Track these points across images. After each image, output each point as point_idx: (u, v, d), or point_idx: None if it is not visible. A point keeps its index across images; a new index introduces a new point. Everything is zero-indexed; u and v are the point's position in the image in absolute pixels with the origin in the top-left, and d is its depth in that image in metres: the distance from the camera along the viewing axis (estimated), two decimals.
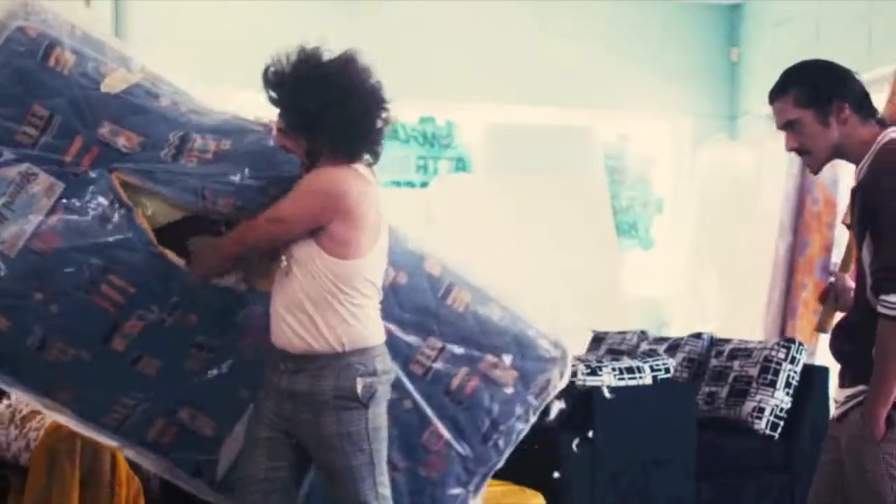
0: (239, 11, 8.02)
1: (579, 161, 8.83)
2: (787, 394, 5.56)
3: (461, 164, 8.92)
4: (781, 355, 5.58)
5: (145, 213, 3.38)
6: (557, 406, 4.98)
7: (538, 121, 8.89)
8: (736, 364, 5.69)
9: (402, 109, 8.79)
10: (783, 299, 8.06)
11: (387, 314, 3.56)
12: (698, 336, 5.98)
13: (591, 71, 8.84)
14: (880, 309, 2.96)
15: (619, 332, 6.40)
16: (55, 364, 3.35)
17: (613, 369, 4.95)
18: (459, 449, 3.93)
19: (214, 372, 3.55)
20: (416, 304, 3.79)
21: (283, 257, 3.33)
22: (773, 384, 5.54)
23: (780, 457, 5.58)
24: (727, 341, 5.92)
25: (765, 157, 8.16)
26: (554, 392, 4.13)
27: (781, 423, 5.54)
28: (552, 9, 8.78)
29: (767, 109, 9.19)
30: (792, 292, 8.02)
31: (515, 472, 4.79)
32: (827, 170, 7.87)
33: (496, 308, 3.95)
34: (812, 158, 3.17)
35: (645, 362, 5.06)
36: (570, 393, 4.90)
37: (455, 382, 3.86)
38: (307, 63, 3.34)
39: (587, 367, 4.91)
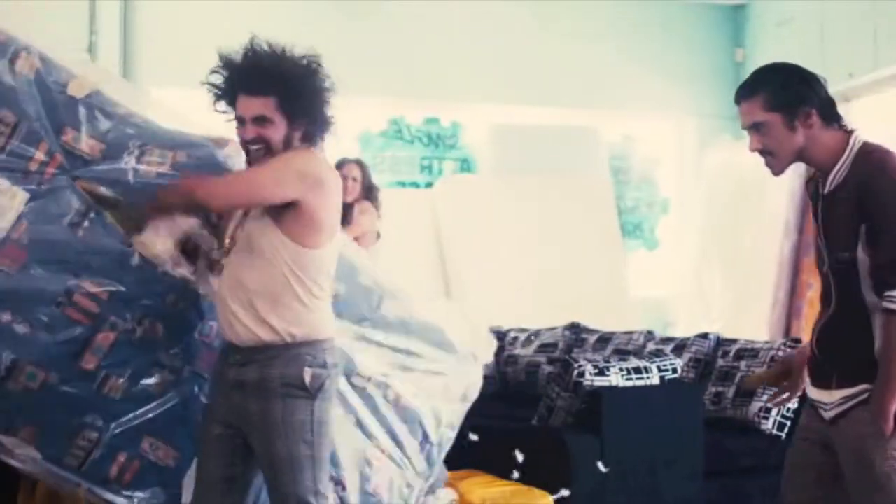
0: (241, 12, 8.02)
1: (584, 161, 8.84)
2: None
3: (466, 165, 8.94)
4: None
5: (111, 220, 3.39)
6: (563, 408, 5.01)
7: (543, 121, 8.90)
8: (742, 364, 5.69)
9: (407, 110, 8.91)
10: (788, 299, 8.07)
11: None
12: (705, 336, 5.98)
13: (595, 72, 8.86)
14: (887, 304, 2.99)
15: (626, 333, 6.40)
16: (21, 393, 3.28)
17: (621, 369, 4.95)
18: (400, 463, 3.96)
19: (174, 398, 3.53)
20: (354, 314, 3.83)
21: (228, 240, 3.36)
22: None
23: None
24: (734, 341, 5.92)
25: None
26: (474, 397, 4.27)
27: (788, 423, 5.54)
28: (557, 9, 8.80)
29: None
30: (797, 292, 8.04)
31: (524, 472, 4.81)
32: None
33: (418, 317, 4.04)
34: (775, 161, 3.20)
35: (652, 362, 5.07)
36: (577, 393, 4.91)
37: (391, 394, 3.92)
38: (288, 53, 3.37)
39: (595, 367, 4.91)
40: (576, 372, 4.90)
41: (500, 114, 8.87)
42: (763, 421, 5.52)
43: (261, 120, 3.32)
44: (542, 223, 8.42)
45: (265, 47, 3.35)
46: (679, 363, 5.22)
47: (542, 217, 8.44)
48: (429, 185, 8.65)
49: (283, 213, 3.26)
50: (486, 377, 6.63)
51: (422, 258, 8.11)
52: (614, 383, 4.94)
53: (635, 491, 4.92)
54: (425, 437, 4.03)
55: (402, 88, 8.53)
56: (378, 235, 6.01)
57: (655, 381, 5.04)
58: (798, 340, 5.73)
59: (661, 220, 9.40)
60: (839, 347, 3.18)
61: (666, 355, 5.35)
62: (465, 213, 8.31)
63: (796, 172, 8.02)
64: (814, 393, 3.26)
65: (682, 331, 7.89)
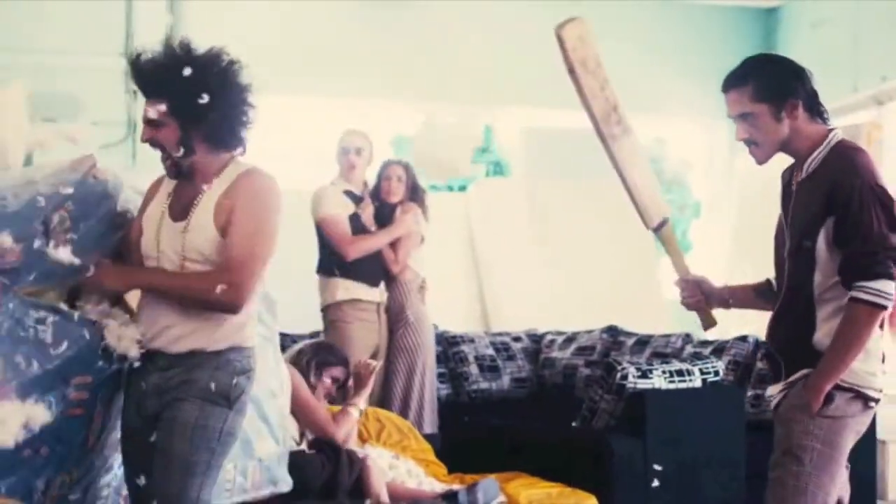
0: (277, 15, 8.09)
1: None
2: None
3: (498, 168, 8.97)
4: None
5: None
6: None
7: (575, 124, 8.88)
8: None
9: (439, 113, 8.93)
10: None
11: None
12: (743, 339, 6.00)
13: (627, 75, 8.82)
14: (857, 294, 3.06)
15: (664, 336, 6.43)
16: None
17: (664, 372, 4.99)
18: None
19: None
20: None
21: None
22: None
23: None
24: None
25: None
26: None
27: None
28: (589, 13, 8.69)
29: None
30: None
31: (569, 473, 4.85)
32: None
33: None
34: (760, 151, 3.29)
35: (694, 365, 5.10)
36: (621, 395, 4.95)
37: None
38: (187, 54, 3.27)
39: (638, 369, 4.95)
40: (619, 374, 4.94)
41: (532, 117, 8.90)
42: None
43: (153, 123, 3.26)
44: (574, 226, 8.44)
45: (171, 49, 3.27)
46: (721, 366, 5.25)
47: (575, 220, 8.46)
48: (462, 188, 8.68)
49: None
50: (522, 380, 6.72)
51: (455, 261, 8.14)
52: (657, 386, 4.98)
53: (677, 492, 4.96)
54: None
55: (434, 92, 8.56)
56: (422, 239, 6.03)
57: (697, 383, 5.08)
58: None
59: (693, 223, 9.41)
60: (787, 337, 3.24)
61: (707, 358, 5.38)
62: (498, 216, 8.34)
63: None
64: (769, 390, 3.34)
65: (714, 333, 7.89)
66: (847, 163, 3.14)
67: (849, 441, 3.19)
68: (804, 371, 3.16)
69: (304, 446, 4.56)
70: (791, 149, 3.27)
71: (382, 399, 5.77)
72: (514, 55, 8.64)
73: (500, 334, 6.98)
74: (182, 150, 3.25)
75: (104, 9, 7.93)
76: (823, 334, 3.14)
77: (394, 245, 5.93)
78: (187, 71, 3.22)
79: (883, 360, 3.23)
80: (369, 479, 4.47)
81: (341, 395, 4.86)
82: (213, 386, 3.19)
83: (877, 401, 3.20)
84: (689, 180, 9.41)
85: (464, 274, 8.16)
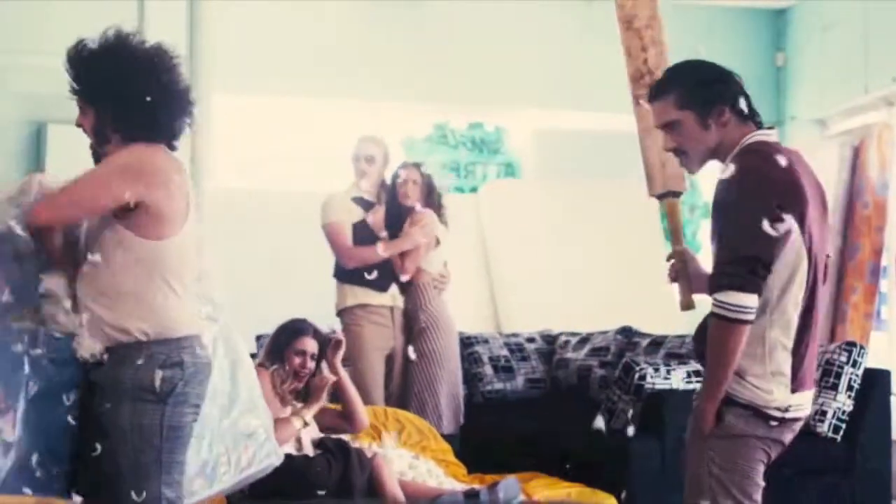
0: (283, 15, 8.10)
1: (627, 166, 8.83)
2: (849, 397, 5.60)
3: (510, 170, 8.99)
4: (843, 358, 5.62)
5: None
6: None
7: (586, 126, 8.94)
8: None
9: (451, 115, 8.96)
10: (833, 303, 8.09)
11: None
12: None
13: None
14: (712, 308, 3.00)
15: (678, 336, 6.44)
16: None
17: (682, 372, 5.01)
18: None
19: None
20: None
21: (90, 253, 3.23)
22: (835, 387, 5.58)
23: (842, 459, 5.61)
24: None
25: (815, 162, 8.17)
26: None
27: (843, 425, 5.58)
28: (601, 14, 8.83)
29: (814, 114, 9.25)
30: (842, 296, 8.06)
31: (588, 474, 4.87)
32: (877, 174, 7.92)
33: None
34: (689, 159, 3.19)
35: None
36: (639, 395, 4.97)
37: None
38: (108, 43, 3.32)
39: (656, 369, 4.97)
40: (637, 374, 4.96)
41: (543, 119, 8.92)
42: (819, 424, 5.56)
43: (80, 109, 3.34)
44: (585, 227, 8.46)
45: (102, 38, 3.32)
46: None
47: (586, 221, 8.48)
48: (473, 190, 8.71)
49: (124, 213, 3.16)
50: (536, 380, 6.74)
51: (467, 263, 8.16)
52: (675, 386, 5.00)
53: None
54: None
55: (446, 93, 8.58)
56: (438, 241, 6.04)
57: None
58: (853, 344, 5.76)
59: (703, 224, 9.43)
60: (698, 348, 3.23)
61: None
62: (509, 217, 8.36)
63: (840, 178, 8.07)
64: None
65: None
66: (733, 172, 3.05)
67: (754, 461, 3.11)
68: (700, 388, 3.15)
69: (307, 450, 4.58)
70: (722, 155, 3.16)
71: (401, 400, 5.79)
72: (526, 56, 8.65)
73: (514, 335, 7.01)
74: (95, 138, 3.29)
75: (115, 12, 7.94)
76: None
77: (402, 254, 5.93)
78: (104, 59, 3.26)
79: (793, 380, 3.11)
80: (382, 478, 4.48)
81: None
82: (137, 383, 3.13)
83: (782, 420, 3.11)
84: (699, 181, 9.43)
85: (475, 275, 8.17)
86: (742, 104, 3.16)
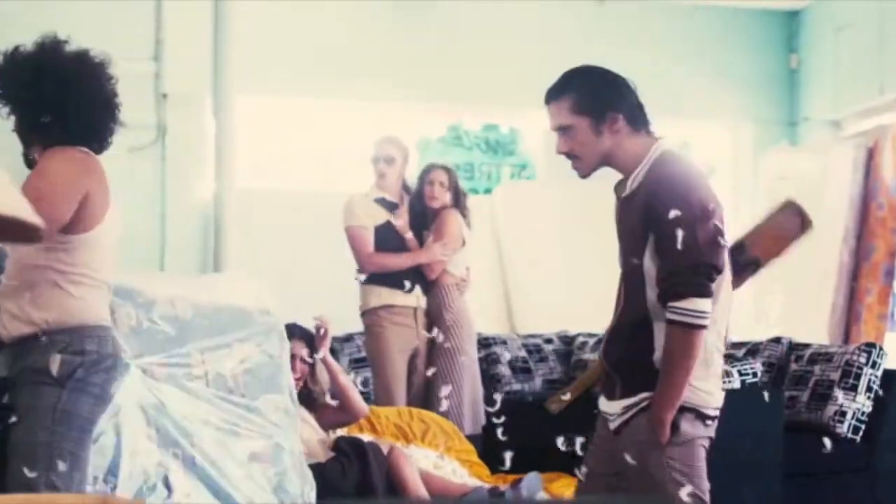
0: (296, 16, 8.12)
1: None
2: (868, 398, 5.62)
3: (524, 171, 9.01)
4: (863, 360, 5.65)
5: None
6: None
7: None
8: (817, 368, 5.75)
9: (465, 116, 8.98)
10: (847, 305, 8.11)
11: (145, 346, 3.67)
12: (777, 340, 6.05)
13: (651, 77, 8.82)
14: (669, 316, 2.99)
15: None
16: None
17: None
18: (269, 431, 4.09)
19: None
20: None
21: None
22: (854, 388, 5.61)
23: (861, 460, 5.64)
24: (806, 346, 5.99)
25: (829, 163, 8.22)
26: (285, 343, 4.27)
27: (863, 426, 5.60)
28: (614, 15, 8.87)
29: (827, 116, 9.24)
30: (856, 297, 8.08)
31: None
32: (892, 175, 7.92)
33: (207, 302, 4.06)
34: (581, 164, 3.21)
35: (733, 366, 5.14)
36: None
37: (230, 379, 4.00)
38: (32, 49, 3.36)
39: None
40: None
41: None
42: (838, 425, 5.58)
43: (8, 113, 3.41)
44: (599, 228, 8.43)
45: (36, 44, 3.35)
46: (759, 367, 5.29)
47: (600, 222, 8.45)
48: (488, 191, 8.73)
49: None
50: (554, 381, 6.75)
51: (482, 264, 8.18)
52: None
53: (718, 493, 4.98)
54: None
55: (460, 95, 8.61)
56: (463, 243, 6.05)
57: (736, 384, 5.11)
58: (872, 345, 5.78)
59: None
60: (623, 355, 3.19)
61: (746, 360, 5.42)
62: (524, 219, 8.38)
63: (854, 179, 8.09)
64: (603, 405, 3.30)
65: (737, 336, 7.92)
66: (660, 177, 3.08)
67: (703, 460, 3.18)
68: (644, 395, 3.11)
69: (319, 455, 4.57)
70: (615, 163, 3.20)
71: (425, 401, 5.81)
72: (540, 57, 8.66)
73: (531, 336, 7.03)
74: (21, 140, 3.36)
75: (134, 13, 7.99)
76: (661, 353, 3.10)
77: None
78: (28, 65, 3.30)
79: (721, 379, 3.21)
80: (402, 473, 4.47)
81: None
82: (36, 366, 3.17)
83: (714, 418, 3.18)
84: (713, 182, 9.43)
85: (489, 276, 8.19)
86: (635, 113, 3.20)
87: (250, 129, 7.53)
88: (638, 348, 3.11)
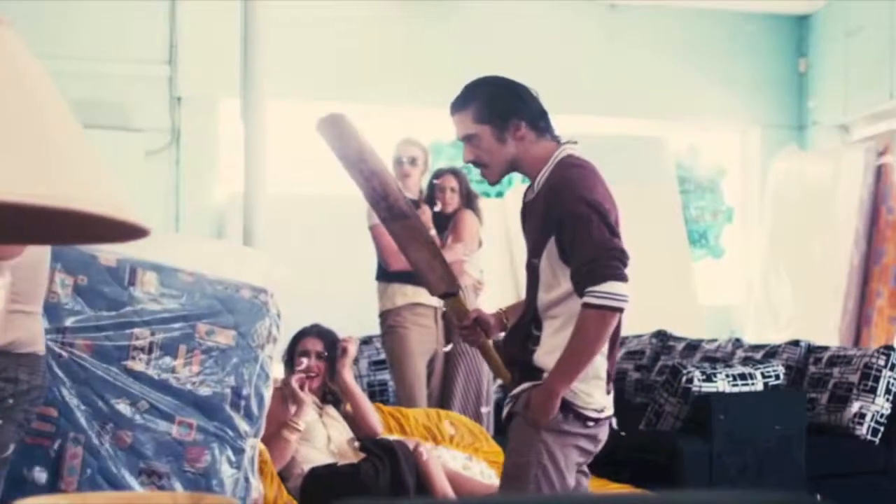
0: (310, 21, 8.15)
1: (651, 171, 8.94)
2: (888, 400, 5.66)
3: None
4: (881, 362, 5.68)
5: None
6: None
7: (610, 131, 9.01)
8: (835, 371, 5.79)
9: None
10: (858, 308, 8.16)
11: (82, 322, 3.52)
12: (796, 343, 6.08)
13: (661, 82, 8.97)
14: (587, 300, 3.00)
15: (713, 340, 6.50)
16: None
17: (727, 376, 5.07)
18: (213, 429, 3.79)
19: None
20: (107, 300, 3.70)
21: None
22: (873, 391, 5.64)
23: (881, 461, 5.68)
24: (825, 349, 6.03)
25: (839, 167, 8.27)
26: (277, 334, 4.01)
27: (882, 428, 5.64)
28: (624, 20, 8.92)
29: (836, 120, 9.29)
30: (867, 300, 8.13)
31: (635, 475, 4.92)
32: None
33: (185, 276, 3.87)
34: (489, 171, 3.25)
35: (756, 369, 5.18)
36: (686, 398, 5.03)
37: (179, 363, 3.76)
38: None
39: (703, 373, 5.03)
40: (684, 378, 5.02)
41: (567, 124, 8.93)
42: (857, 427, 5.62)
43: None
44: None
45: None
46: (781, 370, 5.33)
47: None
48: (500, 195, 8.76)
49: None
50: None
51: (494, 267, 8.22)
52: (721, 389, 5.05)
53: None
54: (236, 392, 3.83)
55: None
56: (480, 243, 6.08)
57: (759, 387, 5.16)
58: (891, 348, 5.82)
59: (726, 228, 9.50)
60: (512, 350, 3.24)
61: (769, 362, 5.46)
62: None
63: (864, 183, 8.14)
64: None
65: (749, 339, 7.97)
66: (561, 179, 3.12)
67: (571, 457, 3.15)
68: (525, 385, 3.14)
69: (349, 457, 4.59)
70: (522, 168, 3.25)
71: (442, 403, 5.82)
72: (550, 61, 8.72)
73: None
74: None
75: (148, 17, 8.03)
76: (543, 352, 3.12)
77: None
78: None
79: (608, 382, 3.17)
80: (430, 472, 4.49)
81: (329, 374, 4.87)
82: None
83: (597, 420, 3.16)
84: (723, 186, 9.50)
85: (501, 279, 8.22)
86: (538, 119, 3.23)
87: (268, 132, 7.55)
88: (526, 345, 3.16)
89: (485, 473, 4.88)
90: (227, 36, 7.58)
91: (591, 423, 3.15)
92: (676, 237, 8.79)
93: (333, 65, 8.19)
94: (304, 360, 4.78)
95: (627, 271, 3.09)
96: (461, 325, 3.40)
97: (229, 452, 3.78)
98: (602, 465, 5.07)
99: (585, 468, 3.27)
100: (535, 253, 3.17)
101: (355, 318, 6.34)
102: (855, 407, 5.64)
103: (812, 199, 8.46)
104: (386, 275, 5.95)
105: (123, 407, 3.66)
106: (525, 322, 3.20)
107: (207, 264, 4.04)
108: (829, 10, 8.97)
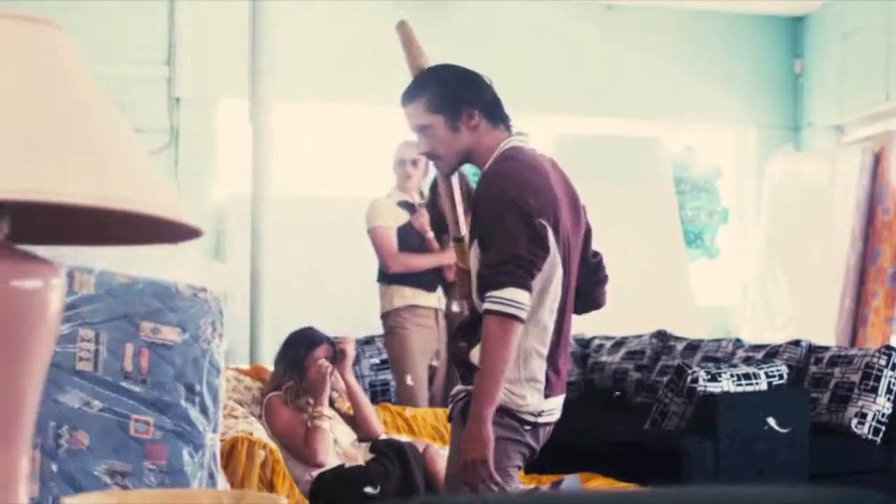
0: (319, 23, 8.16)
1: (648, 172, 8.98)
2: (889, 400, 5.69)
3: None
4: (882, 362, 5.71)
5: None
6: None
7: (607, 132, 9.04)
8: (836, 371, 5.82)
9: None
10: (854, 308, 8.21)
11: None
12: (797, 343, 6.11)
13: (657, 83, 9.01)
14: (486, 305, 2.94)
15: (714, 340, 6.53)
16: None
17: (732, 375, 5.10)
18: (171, 425, 3.76)
19: None
20: None
21: None
22: (874, 390, 5.67)
23: (882, 461, 5.71)
24: (826, 349, 6.06)
25: (835, 168, 8.31)
26: (221, 330, 3.96)
27: (883, 427, 5.67)
28: (621, 22, 8.95)
29: (832, 121, 9.33)
30: (863, 301, 8.18)
31: (640, 474, 4.95)
32: None
33: (122, 277, 3.82)
34: (442, 163, 3.22)
35: (760, 369, 5.21)
36: (691, 398, 5.05)
37: (128, 363, 3.72)
38: None
39: (707, 373, 5.06)
40: (689, 378, 5.04)
41: (565, 124, 9.02)
42: (859, 426, 5.65)
43: None
44: (607, 232, 8.50)
45: None
46: (784, 370, 5.36)
47: (607, 225, 8.52)
48: None
49: None
50: (571, 383, 6.80)
51: None
52: (725, 389, 5.08)
53: None
54: (188, 387, 3.80)
55: None
56: None
57: (763, 386, 5.19)
58: (892, 348, 5.86)
59: (721, 229, 9.53)
60: (455, 350, 3.20)
61: (772, 362, 5.49)
62: None
63: (860, 183, 8.18)
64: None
65: (746, 340, 7.99)
66: (490, 178, 3.07)
67: (513, 462, 3.12)
68: (459, 387, 3.13)
69: (358, 458, 4.60)
70: (475, 160, 3.18)
71: (445, 403, 5.84)
72: (548, 62, 8.75)
73: None
74: None
75: (147, 18, 8.03)
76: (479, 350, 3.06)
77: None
78: None
79: (547, 386, 3.10)
80: (438, 471, 4.50)
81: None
82: None
83: (535, 424, 3.11)
84: (718, 187, 9.54)
85: None
86: (492, 108, 3.19)
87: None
88: (463, 347, 3.12)
89: None
90: (227, 36, 7.63)
91: (527, 427, 3.09)
92: (673, 238, 8.83)
93: (334, 66, 8.20)
94: (317, 369, 4.75)
95: (530, 279, 2.97)
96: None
97: (190, 448, 3.75)
98: (606, 464, 5.11)
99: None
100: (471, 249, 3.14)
101: (358, 319, 6.36)
102: (856, 407, 5.68)
103: (808, 199, 8.50)
104: (386, 277, 5.97)
105: (77, 408, 3.64)
106: (467, 320, 3.18)
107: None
108: (825, 12, 9.02)
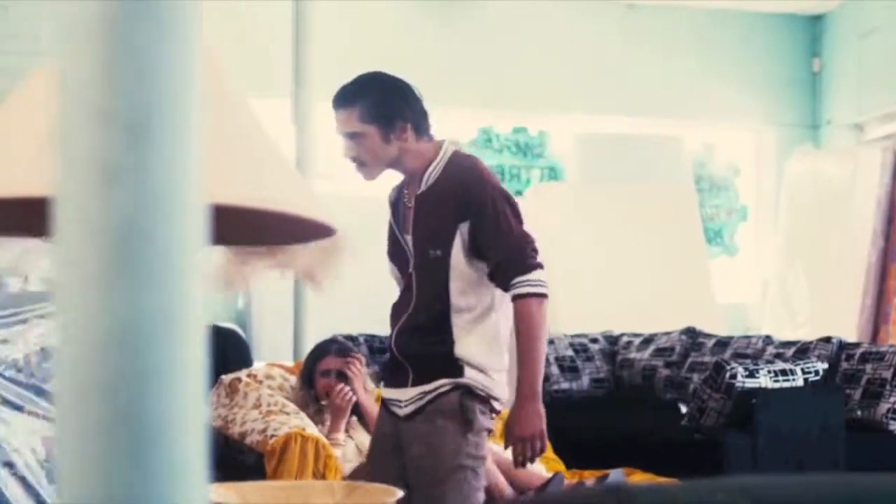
0: (334, 21, 8.18)
1: (668, 170, 9.01)
2: None
3: (553, 173, 9.12)
4: None
5: None
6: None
7: (627, 130, 9.08)
8: (868, 367, 5.87)
9: (496, 120, 9.08)
10: (876, 305, 8.24)
11: None
12: (827, 340, 6.16)
13: (677, 82, 9.05)
14: (521, 290, 3.07)
15: (744, 337, 6.58)
16: None
17: (769, 371, 5.14)
18: None
19: None
20: None
21: None
22: None
23: None
24: (857, 345, 6.12)
25: (856, 166, 8.36)
26: None
27: None
28: (641, 21, 8.99)
29: (851, 119, 9.38)
30: (885, 298, 8.21)
31: (680, 469, 4.99)
32: None
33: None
34: (367, 170, 3.26)
35: (796, 365, 5.25)
36: (730, 394, 5.10)
37: (20, 356, 3.75)
38: None
39: (745, 369, 5.10)
40: (728, 374, 5.09)
41: (585, 123, 9.06)
42: (891, 422, 5.70)
43: None
44: (627, 230, 8.58)
45: None
46: (821, 366, 5.40)
47: (627, 224, 8.61)
48: (518, 193, 8.81)
49: None
50: (600, 380, 6.87)
51: None
52: (763, 385, 5.13)
53: None
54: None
55: (491, 98, 8.72)
56: None
57: (800, 382, 5.23)
58: None
59: (741, 226, 9.58)
60: (418, 347, 3.18)
61: (807, 358, 5.53)
62: (553, 221, 8.47)
63: (881, 181, 8.23)
64: (388, 392, 3.29)
65: (797, 335, 8.00)
66: (471, 171, 3.17)
67: (485, 449, 3.22)
68: (443, 381, 3.13)
69: None
70: (402, 167, 3.26)
71: None
72: (569, 61, 8.79)
73: (578, 336, 7.12)
74: None
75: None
76: (467, 344, 3.12)
77: None
78: None
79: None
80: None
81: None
82: None
83: (496, 413, 3.21)
84: (737, 185, 9.58)
85: None
86: (420, 120, 3.25)
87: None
88: (438, 342, 3.14)
89: (534, 466, 4.93)
90: (235, 37, 7.67)
91: (494, 416, 3.21)
92: (694, 235, 8.86)
93: (349, 65, 8.21)
94: (324, 380, 4.72)
95: None
96: None
97: None
98: (644, 460, 5.15)
99: None
100: (435, 245, 3.16)
101: (375, 319, 6.38)
102: (888, 403, 5.72)
103: (827, 198, 8.54)
104: None
105: None
106: (428, 316, 3.17)
107: None
108: (844, 10, 9.06)
